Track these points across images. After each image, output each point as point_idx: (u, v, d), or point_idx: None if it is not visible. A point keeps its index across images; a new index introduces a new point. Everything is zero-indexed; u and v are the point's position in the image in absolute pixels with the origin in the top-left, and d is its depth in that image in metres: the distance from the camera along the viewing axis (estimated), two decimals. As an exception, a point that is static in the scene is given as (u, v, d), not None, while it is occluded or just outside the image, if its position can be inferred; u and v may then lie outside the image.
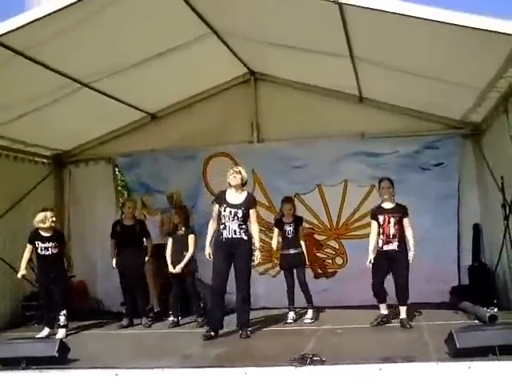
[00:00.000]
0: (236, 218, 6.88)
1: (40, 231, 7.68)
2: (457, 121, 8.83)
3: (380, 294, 7.15)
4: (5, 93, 7.11)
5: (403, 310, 7.04)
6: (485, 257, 8.73)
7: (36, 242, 7.66)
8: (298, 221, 8.07)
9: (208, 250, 7.02)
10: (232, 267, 6.96)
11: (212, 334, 6.83)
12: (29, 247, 7.72)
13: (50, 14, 5.83)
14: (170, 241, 8.17)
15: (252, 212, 7.03)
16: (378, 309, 7.23)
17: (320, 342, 6.38)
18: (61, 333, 7.57)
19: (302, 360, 5.05)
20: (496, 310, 6.84)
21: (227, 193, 7.04)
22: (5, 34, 5.94)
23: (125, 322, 8.21)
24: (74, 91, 7.78)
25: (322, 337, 6.73)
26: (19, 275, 7.70)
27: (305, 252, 7.98)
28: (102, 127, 9.69)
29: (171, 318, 8.18)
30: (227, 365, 5.28)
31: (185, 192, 9.63)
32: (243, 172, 7.07)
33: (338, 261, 9.31)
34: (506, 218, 7.36)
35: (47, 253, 7.65)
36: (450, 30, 5.11)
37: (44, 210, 7.89)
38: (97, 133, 9.85)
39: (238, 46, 8.25)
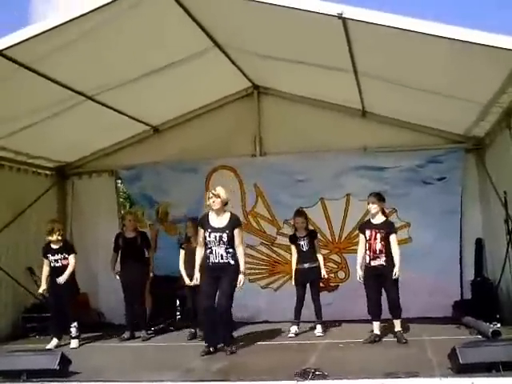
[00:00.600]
0: (221, 242, 6.72)
1: (50, 244, 7.79)
2: (460, 135, 8.85)
3: (375, 312, 7.08)
4: (9, 105, 7.14)
5: (397, 323, 7.00)
6: (487, 271, 8.72)
7: (48, 255, 7.77)
8: (312, 234, 8.04)
9: (197, 275, 6.96)
10: None
11: (211, 349, 6.76)
12: (45, 262, 7.82)
13: (54, 28, 5.86)
14: (182, 253, 8.11)
15: (236, 233, 6.80)
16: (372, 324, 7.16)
17: (322, 356, 6.36)
18: (74, 343, 7.69)
19: (305, 374, 5.04)
20: (499, 325, 6.79)
21: (210, 216, 6.86)
22: (9, 47, 5.98)
23: (126, 334, 8.18)
24: (77, 104, 7.81)
25: (325, 351, 6.71)
26: (40, 291, 7.82)
27: (322, 266, 7.94)
28: (105, 140, 9.72)
29: (188, 330, 8.15)
30: (229, 379, 5.26)
31: (187, 205, 9.63)
32: (222, 193, 6.83)
33: (341, 275, 9.28)
34: (509, 232, 7.36)
35: (57, 265, 7.75)
36: (453, 45, 5.13)
37: (51, 222, 7.99)
38: (100, 145, 9.88)
39: (241, 60, 8.28)
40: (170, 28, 6.63)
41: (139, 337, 8.14)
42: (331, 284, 9.27)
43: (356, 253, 8.64)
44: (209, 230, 6.77)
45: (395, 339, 6.94)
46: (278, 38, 6.83)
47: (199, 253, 6.92)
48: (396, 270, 6.92)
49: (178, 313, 10.62)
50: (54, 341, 7.66)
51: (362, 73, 7.18)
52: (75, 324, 7.74)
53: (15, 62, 6.34)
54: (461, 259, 8.91)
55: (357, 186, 9.14)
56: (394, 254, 6.98)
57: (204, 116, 9.76)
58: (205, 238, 6.81)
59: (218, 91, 9.35)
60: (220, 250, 6.72)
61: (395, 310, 6.99)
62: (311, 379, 4.96)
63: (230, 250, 6.76)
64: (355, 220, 9.05)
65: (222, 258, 6.72)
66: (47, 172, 10.01)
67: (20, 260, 9.06)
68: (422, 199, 8.92)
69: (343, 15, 5.29)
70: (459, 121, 8.16)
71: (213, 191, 6.86)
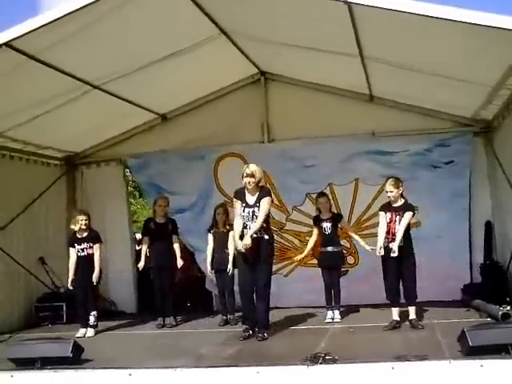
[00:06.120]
0: (255, 217, 6.68)
1: (76, 234, 7.84)
2: (468, 118, 8.81)
3: (393, 297, 6.96)
4: (17, 96, 7.18)
5: (412, 310, 6.92)
6: (497, 254, 8.71)
7: (74, 245, 7.83)
8: (336, 217, 7.95)
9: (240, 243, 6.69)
10: None
11: (250, 332, 6.72)
12: (71, 251, 7.87)
13: (60, 18, 5.87)
14: (211, 238, 8.15)
15: (263, 200, 6.71)
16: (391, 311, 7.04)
17: (332, 340, 6.39)
18: (90, 332, 7.71)
19: (315, 359, 5.05)
20: (509, 307, 6.79)
21: (246, 191, 6.80)
22: (16, 38, 5.99)
23: (160, 321, 8.13)
24: (84, 93, 7.83)
25: (335, 336, 6.73)
26: (69, 285, 7.84)
27: (360, 241, 7.87)
28: (113, 128, 9.73)
29: (220, 316, 8.22)
30: (240, 364, 5.30)
31: (196, 193, 9.68)
32: (256, 172, 6.73)
33: (350, 260, 9.28)
34: (518, 215, 7.35)
35: (83, 254, 7.79)
36: (461, 28, 5.10)
37: (76, 212, 8.13)
38: (108, 134, 9.90)
39: (248, 46, 8.26)
40: (176, 16, 6.62)
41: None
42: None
43: (365, 237, 8.68)
44: (243, 205, 6.74)
45: (406, 323, 6.89)
46: (284, 24, 6.82)
47: (238, 224, 6.80)
48: (396, 244, 6.76)
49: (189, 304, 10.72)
50: (83, 330, 7.69)
51: (369, 57, 7.16)
52: (94, 313, 7.77)
53: (22, 52, 6.36)
54: (470, 242, 8.91)
55: (365, 170, 9.16)
56: (400, 228, 6.82)
57: (211, 103, 9.75)
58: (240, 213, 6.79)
59: (224, 78, 9.34)
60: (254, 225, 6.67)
61: (411, 295, 6.91)
62: (321, 363, 4.99)
63: (264, 225, 6.71)
64: (364, 205, 9.08)
65: (255, 233, 6.65)
66: (56, 162, 10.05)
67: (31, 250, 9.14)
68: (430, 183, 8.91)
69: (349, 0, 5.27)
70: (467, 104, 8.12)
71: (247, 170, 6.75)
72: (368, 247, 7.67)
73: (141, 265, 8.21)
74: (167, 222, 8.31)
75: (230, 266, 7.87)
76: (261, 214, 6.68)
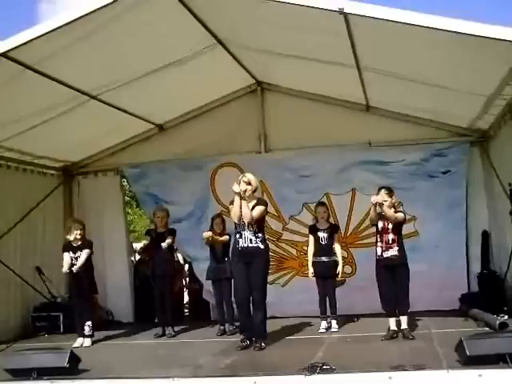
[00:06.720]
0: (250, 226, 6.68)
1: (70, 242, 7.82)
2: (464, 128, 8.84)
3: (389, 307, 6.96)
4: (14, 106, 7.19)
5: (404, 320, 6.87)
6: (494, 264, 8.72)
7: (69, 252, 7.78)
8: (333, 228, 7.93)
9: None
10: None
11: (248, 342, 6.71)
12: (64, 255, 7.77)
13: (56, 29, 5.90)
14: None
15: (257, 208, 6.71)
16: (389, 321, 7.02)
17: (330, 350, 6.37)
18: (87, 342, 7.69)
19: (312, 369, 5.03)
20: (506, 317, 6.79)
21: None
22: (14, 48, 6.02)
23: (159, 330, 8.13)
24: (82, 103, 7.85)
25: (332, 345, 6.72)
26: (65, 269, 7.69)
27: (340, 263, 7.78)
28: (111, 138, 9.74)
29: (217, 326, 8.14)
30: (237, 374, 5.28)
31: (193, 202, 9.67)
32: (253, 181, 6.80)
33: (347, 269, 9.24)
34: (515, 224, 7.35)
35: (76, 262, 7.74)
36: (456, 38, 5.13)
37: (70, 221, 8.12)
38: (105, 144, 9.91)
39: (245, 57, 8.30)
40: (173, 26, 6.65)
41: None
42: (338, 279, 9.28)
43: (363, 247, 8.81)
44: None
45: (402, 336, 6.83)
46: (281, 34, 6.85)
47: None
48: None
49: (187, 310, 10.71)
50: (80, 340, 7.69)
51: (365, 67, 7.19)
52: (89, 323, 7.74)
53: (19, 63, 6.38)
54: (467, 252, 8.91)
55: (362, 180, 9.16)
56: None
57: (208, 113, 9.78)
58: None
59: (221, 88, 9.37)
60: (249, 235, 6.67)
61: (403, 304, 6.89)
62: (319, 373, 4.98)
63: (259, 235, 6.71)
64: (361, 214, 9.07)
65: (251, 242, 6.67)
66: (53, 172, 10.05)
67: (28, 260, 9.12)
68: (427, 193, 8.93)
69: (344, 10, 5.30)
70: (463, 114, 8.15)
71: (244, 178, 6.78)
72: (340, 268, 7.75)
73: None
74: (166, 231, 8.31)
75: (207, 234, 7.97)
76: (254, 213, 6.67)
